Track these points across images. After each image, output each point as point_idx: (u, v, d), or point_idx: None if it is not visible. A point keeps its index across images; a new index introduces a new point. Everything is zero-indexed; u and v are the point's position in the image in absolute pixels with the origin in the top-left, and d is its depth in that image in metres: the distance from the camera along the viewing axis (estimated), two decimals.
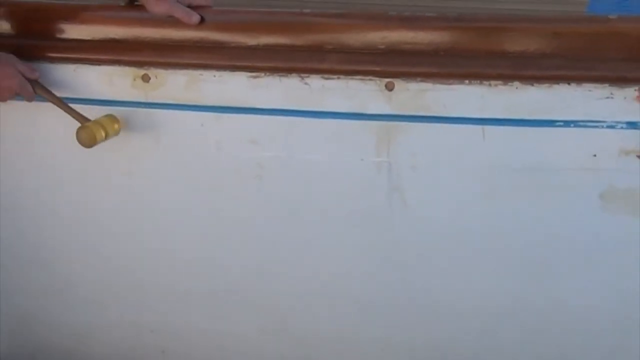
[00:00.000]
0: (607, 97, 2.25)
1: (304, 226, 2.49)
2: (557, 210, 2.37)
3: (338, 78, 2.35)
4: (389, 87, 2.33)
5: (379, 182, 2.40)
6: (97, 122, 2.42)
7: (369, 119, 2.36)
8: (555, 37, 2.27)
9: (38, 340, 2.89)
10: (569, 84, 2.26)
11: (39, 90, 2.44)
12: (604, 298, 2.42)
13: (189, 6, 2.38)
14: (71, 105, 2.43)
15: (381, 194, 2.41)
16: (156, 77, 2.41)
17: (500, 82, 2.28)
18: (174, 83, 2.42)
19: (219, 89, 2.42)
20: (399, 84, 2.32)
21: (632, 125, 2.26)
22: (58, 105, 2.44)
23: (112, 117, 2.45)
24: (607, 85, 2.24)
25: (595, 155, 2.29)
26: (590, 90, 2.25)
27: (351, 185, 2.43)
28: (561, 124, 2.29)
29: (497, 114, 2.31)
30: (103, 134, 2.41)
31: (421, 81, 2.31)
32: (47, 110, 2.45)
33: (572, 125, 2.29)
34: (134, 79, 2.40)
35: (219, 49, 2.41)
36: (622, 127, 2.27)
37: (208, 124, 2.40)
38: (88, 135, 2.39)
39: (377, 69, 2.32)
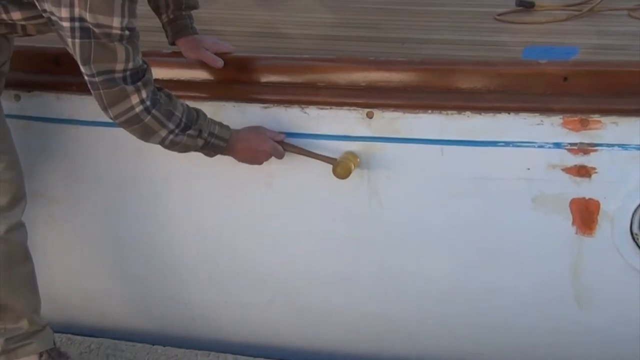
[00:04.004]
0: (538, 124, 2.47)
1: (303, 221, 2.67)
2: (499, 210, 2.58)
3: (330, 108, 2.57)
4: (369, 116, 2.55)
5: (361, 189, 2.61)
6: (345, 157, 2.54)
7: (353, 140, 2.58)
8: (498, 76, 2.49)
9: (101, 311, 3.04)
10: (508, 113, 2.48)
11: (286, 147, 2.57)
12: (534, 279, 2.62)
13: (215, 53, 2.58)
14: None
15: (363, 197, 2.62)
16: None
17: (455, 111, 2.51)
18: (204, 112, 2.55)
19: (237, 116, 2.61)
20: (377, 113, 2.54)
21: (557, 145, 2.47)
22: (305, 154, 2.56)
23: (351, 152, 2.58)
24: (537, 114, 2.46)
25: (528, 169, 2.51)
26: (524, 118, 2.47)
27: (339, 190, 2.61)
28: (502, 144, 2.50)
29: (453, 136, 2.53)
30: (352, 165, 2.53)
31: (394, 111, 2.54)
32: None
33: (510, 145, 2.50)
34: None
35: (238, 85, 2.62)
36: (549, 147, 2.48)
37: None
38: (343, 168, 2.51)
39: (360, 101, 2.55)
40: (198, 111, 2.45)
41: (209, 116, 2.50)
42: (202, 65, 2.60)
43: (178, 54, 2.63)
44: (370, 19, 3.15)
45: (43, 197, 2.72)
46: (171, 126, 2.36)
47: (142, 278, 2.94)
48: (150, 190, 2.78)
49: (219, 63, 2.58)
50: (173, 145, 2.41)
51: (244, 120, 2.61)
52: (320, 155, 2.56)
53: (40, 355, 2.66)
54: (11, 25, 2.44)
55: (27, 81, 2.70)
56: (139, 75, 2.29)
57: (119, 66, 2.25)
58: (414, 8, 3.29)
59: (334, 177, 2.52)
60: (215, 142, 2.46)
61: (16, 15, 2.40)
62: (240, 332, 2.93)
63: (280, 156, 2.56)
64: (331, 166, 2.52)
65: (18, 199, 2.56)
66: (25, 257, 2.61)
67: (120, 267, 2.95)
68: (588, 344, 2.68)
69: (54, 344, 2.72)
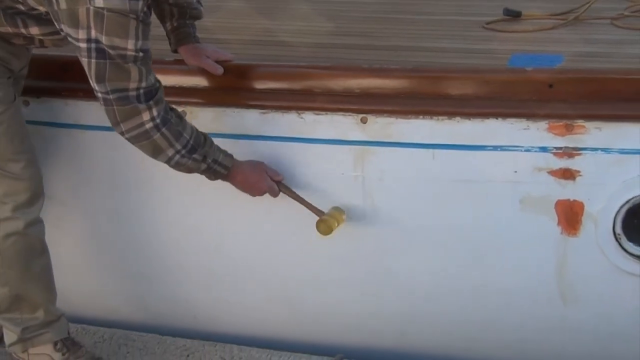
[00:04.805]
0: (525, 129, 2.50)
1: (302, 221, 2.66)
2: (487, 211, 2.61)
3: (326, 114, 2.61)
4: (363, 121, 2.59)
5: (355, 190, 2.65)
6: (330, 215, 2.59)
7: (348, 144, 2.62)
8: (486, 83, 2.53)
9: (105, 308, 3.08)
10: (496, 118, 2.51)
11: (282, 188, 2.62)
12: (521, 277, 2.66)
13: (216, 60, 2.63)
14: None
15: (357, 199, 2.66)
16: (191, 113, 2.64)
17: (445, 117, 2.54)
18: (204, 117, 2.66)
19: (237, 121, 2.66)
20: (370, 118, 2.58)
21: (543, 149, 2.51)
22: (298, 200, 2.61)
23: (338, 209, 2.63)
24: (524, 119, 2.50)
25: (516, 171, 2.54)
26: (512, 124, 2.50)
27: (335, 192, 2.66)
28: (491, 148, 2.54)
29: (443, 140, 2.56)
30: (336, 223, 2.59)
31: (387, 116, 2.57)
32: None
33: (498, 149, 2.53)
34: None
35: (237, 91, 2.66)
36: (536, 151, 2.51)
37: (229, 148, 2.57)
38: (326, 226, 2.57)
39: (354, 107, 2.59)
40: (206, 136, 2.52)
41: (209, 122, 2.57)
42: (203, 72, 2.65)
43: (180, 62, 2.67)
44: (364, 27, 3.19)
45: (50, 198, 2.75)
46: (178, 146, 2.43)
47: (146, 277, 2.98)
48: (154, 192, 2.82)
49: (219, 70, 2.63)
50: (178, 166, 2.48)
51: (242, 125, 2.66)
52: (311, 205, 2.62)
53: (55, 344, 2.71)
54: (29, 39, 2.52)
55: (36, 87, 2.73)
56: (152, 94, 2.36)
57: (133, 85, 2.32)
58: (406, 17, 3.34)
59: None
60: (218, 168, 2.53)
61: (34, 30, 2.48)
62: (239, 329, 2.96)
63: (274, 195, 2.63)
64: (317, 218, 2.58)
65: (37, 196, 2.62)
66: (42, 251, 2.67)
67: (125, 266, 3.00)
68: (572, 340, 2.71)
69: (69, 333, 2.77)
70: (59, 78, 2.74)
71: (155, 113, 2.36)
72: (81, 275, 2.91)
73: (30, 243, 2.62)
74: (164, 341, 2.93)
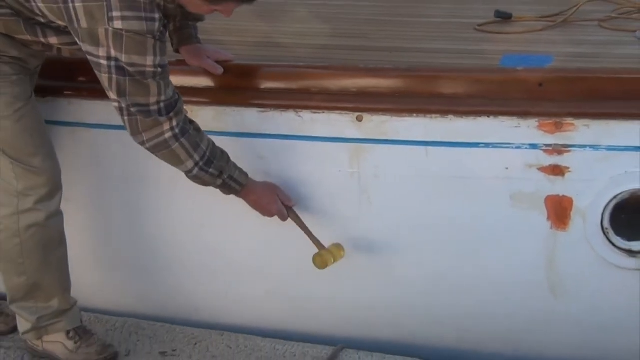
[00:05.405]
0: (515, 127, 2.53)
1: (300, 215, 2.69)
2: (479, 207, 2.64)
3: (323, 112, 2.64)
4: (359, 119, 2.62)
5: (351, 187, 2.68)
6: (329, 251, 2.63)
7: (344, 142, 2.65)
8: (478, 83, 2.57)
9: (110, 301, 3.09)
10: (488, 116, 2.54)
11: (290, 215, 2.66)
12: (512, 270, 2.68)
13: (216, 61, 2.67)
14: None
15: (353, 195, 2.68)
16: (192, 111, 2.64)
17: (439, 115, 2.57)
18: (205, 115, 2.67)
19: (237, 120, 2.69)
20: (366, 116, 2.61)
21: (533, 146, 2.54)
22: (303, 230, 2.65)
23: (338, 246, 2.67)
24: (515, 117, 2.52)
25: (507, 168, 2.57)
26: (503, 122, 2.54)
27: (332, 188, 2.70)
28: (483, 145, 2.57)
29: (437, 138, 2.59)
30: (332, 260, 2.63)
31: (382, 114, 2.60)
32: None
33: (490, 146, 2.56)
34: None
35: (237, 91, 2.69)
36: (526, 148, 2.54)
37: (229, 146, 2.60)
38: (321, 261, 2.61)
39: (351, 105, 2.62)
40: (222, 151, 2.58)
41: (210, 120, 2.62)
42: (204, 72, 2.68)
43: (182, 62, 2.70)
44: (360, 29, 3.22)
45: None
46: (197, 157, 2.49)
47: (149, 270, 3.01)
48: (156, 189, 2.85)
49: (220, 70, 2.66)
50: (196, 179, 2.55)
51: (242, 124, 2.69)
52: (314, 237, 2.65)
53: (68, 332, 2.77)
54: (48, 47, 2.59)
55: (41, 87, 2.75)
56: (172, 107, 2.43)
57: (153, 99, 2.39)
58: (400, 19, 3.37)
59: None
60: (233, 185, 2.59)
61: (53, 40, 2.54)
62: (239, 320, 2.98)
63: (283, 220, 2.67)
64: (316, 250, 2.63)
65: (56, 188, 2.67)
66: (60, 242, 2.72)
67: (127, 260, 3.03)
68: (561, 331, 2.74)
69: (81, 322, 2.82)
70: (63, 78, 2.77)
71: (174, 123, 2.43)
72: (84, 270, 2.92)
73: (50, 234, 2.67)
74: (172, 330, 2.98)
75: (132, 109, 2.40)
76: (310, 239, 2.66)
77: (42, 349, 2.78)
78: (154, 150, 2.47)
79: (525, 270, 2.68)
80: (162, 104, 2.41)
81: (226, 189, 2.59)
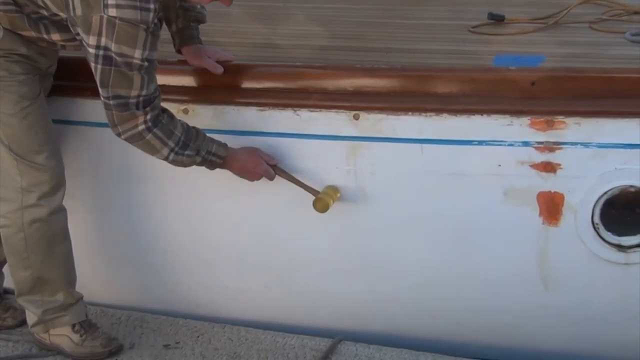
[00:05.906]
0: (508, 124, 2.56)
1: (297, 212, 2.72)
2: (473, 203, 2.67)
3: (320, 111, 2.67)
4: (356, 117, 2.64)
5: (348, 183, 2.70)
6: (325, 193, 2.63)
7: (341, 139, 2.67)
8: (472, 82, 2.60)
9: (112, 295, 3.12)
10: (481, 115, 2.57)
11: (278, 172, 2.67)
12: (505, 265, 2.71)
13: (217, 61, 2.70)
14: None
15: (350, 191, 2.70)
16: (193, 110, 2.71)
17: (433, 113, 2.60)
18: (205, 114, 2.71)
19: (236, 118, 2.71)
20: (362, 115, 2.64)
21: (525, 144, 2.56)
22: (294, 182, 2.66)
23: (332, 187, 2.67)
24: (508, 116, 2.55)
25: (500, 165, 2.60)
26: (496, 120, 2.56)
27: (329, 185, 2.68)
28: (476, 143, 2.59)
29: (431, 135, 2.61)
30: (331, 200, 2.64)
31: (378, 113, 2.63)
32: None
33: (483, 144, 2.59)
34: (177, 112, 2.66)
35: (237, 90, 2.72)
36: (519, 145, 2.56)
37: (229, 144, 2.63)
38: (322, 204, 2.62)
39: (347, 104, 2.65)
40: (197, 130, 2.60)
41: (210, 119, 2.65)
42: (204, 71, 2.70)
43: (183, 62, 2.73)
44: (356, 30, 3.25)
45: None
46: (171, 144, 2.52)
47: (151, 265, 3.03)
48: (157, 185, 2.88)
49: (220, 70, 2.69)
50: (175, 163, 2.59)
51: (241, 122, 2.71)
52: (306, 185, 2.66)
53: (73, 326, 2.80)
54: (52, 44, 2.62)
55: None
56: (149, 102, 2.46)
57: (134, 92, 2.42)
58: (395, 21, 3.39)
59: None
60: (213, 159, 2.61)
61: (55, 36, 2.58)
62: (238, 314, 3.01)
63: (271, 178, 2.68)
64: (313, 198, 2.63)
65: (59, 185, 2.71)
66: (64, 237, 2.76)
67: (128, 255, 3.06)
68: (553, 324, 2.77)
69: (87, 316, 2.86)
70: (67, 78, 2.80)
71: (148, 117, 2.48)
72: (89, 265, 2.96)
73: (53, 230, 2.71)
74: (176, 323, 3.01)
75: (112, 102, 2.43)
76: (304, 189, 2.66)
77: (49, 342, 2.82)
78: (130, 141, 2.51)
79: (518, 265, 2.71)
80: (141, 99, 2.44)
81: (208, 164, 2.62)
